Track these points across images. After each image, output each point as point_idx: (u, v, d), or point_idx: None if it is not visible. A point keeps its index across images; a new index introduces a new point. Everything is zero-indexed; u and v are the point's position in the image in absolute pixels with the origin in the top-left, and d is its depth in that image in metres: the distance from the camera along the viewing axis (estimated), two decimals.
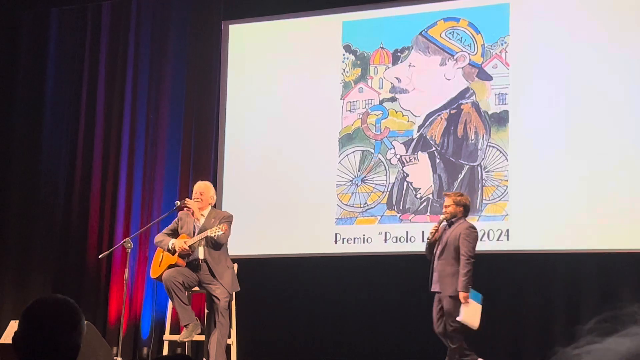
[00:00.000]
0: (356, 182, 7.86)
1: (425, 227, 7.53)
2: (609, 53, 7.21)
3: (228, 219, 6.65)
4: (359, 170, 7.88)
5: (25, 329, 2.26)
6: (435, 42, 7.78)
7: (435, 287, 6.55)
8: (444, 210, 6.65)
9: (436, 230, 6.58)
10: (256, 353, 7.59)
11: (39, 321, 2.27)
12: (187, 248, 6.51)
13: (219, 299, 6.43)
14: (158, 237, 6.80)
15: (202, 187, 6.82)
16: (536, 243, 7.24)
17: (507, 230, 7.31)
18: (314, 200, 7.91)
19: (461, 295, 6.36)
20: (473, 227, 6.59)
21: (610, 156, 7.10)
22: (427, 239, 6.65)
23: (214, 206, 6.88)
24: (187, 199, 6.80)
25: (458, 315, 6.36)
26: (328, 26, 8.16)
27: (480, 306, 6.41)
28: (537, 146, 7.33)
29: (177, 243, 6.56)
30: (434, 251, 6.57)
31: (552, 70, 7.37)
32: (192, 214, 6.66)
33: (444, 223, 6.62)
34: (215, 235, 6.39)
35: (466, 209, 6.61)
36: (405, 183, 7.73)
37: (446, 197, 6.70)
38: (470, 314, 6.40)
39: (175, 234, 6.76)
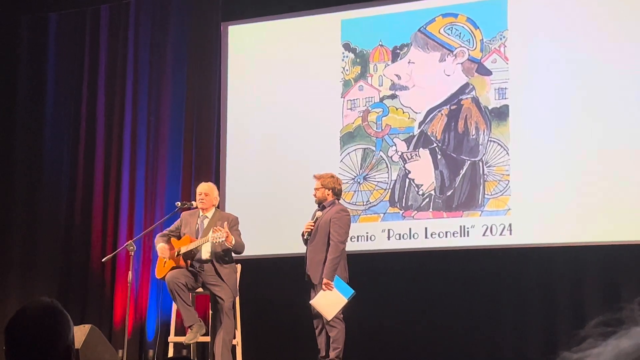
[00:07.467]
0: (358, 180, 7.86)
1: (428, 223, 7.54)
2: (608, 45, 7.20)
3: (235, 223, 6.63)
4: (360, 168, 7.88)
5: (9, 345, 2.28)
6: (434, 39, 7.78)
7: (308, 277, 6.36)
8: (313, 193, 6.48)
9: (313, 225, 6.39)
10: (262, 353, 7.59)
11: (19, 335, 2.28)
12: (165, 259, 6.55)
13: (223, 300, 6.44)
14: (157, 239, 6.81)
15: (205, 188, 6.80)
16: (539, 237, 7.23)
17: (510, 225, 7.30)
18: None
19: (323, 282, 6.12)
20: (345, 211, 6.42)
21: (612, 148, 7.09)
22: (303, 233, 6.50)
23: (217, 207, 6.89)
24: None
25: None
26: (327, 25, 8.16)
27: (345, 300, 6.12)
28: (538, 140, 7.33)
29: (161, 251, 6.61)
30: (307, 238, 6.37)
31: (551, 63, 7.37)
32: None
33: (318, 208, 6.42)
34: (218, 242, 6.37)
35: (335, 192, 6.44)
36: (407, 180, 7.73)
37: (316, 179, 6.51)
38: (327, 302, 6.12)
39: (177, 234, 6.76)
